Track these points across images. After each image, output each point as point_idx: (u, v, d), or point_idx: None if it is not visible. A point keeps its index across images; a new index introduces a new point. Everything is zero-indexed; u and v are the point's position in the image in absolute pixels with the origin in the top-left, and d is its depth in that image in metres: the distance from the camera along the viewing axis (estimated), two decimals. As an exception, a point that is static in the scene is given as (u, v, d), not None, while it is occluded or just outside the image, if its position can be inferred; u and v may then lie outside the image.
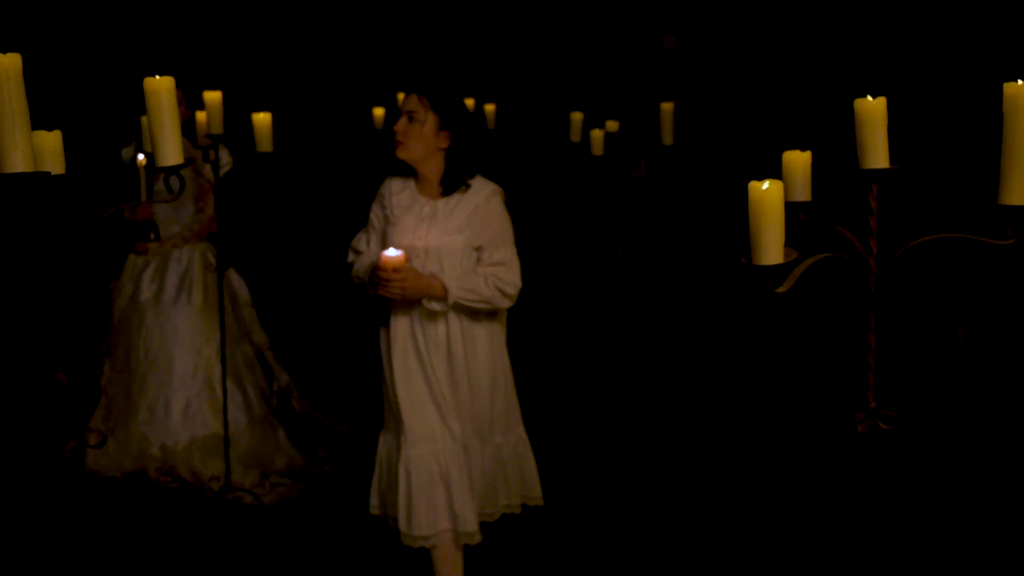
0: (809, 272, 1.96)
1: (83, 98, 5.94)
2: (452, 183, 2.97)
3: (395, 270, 2.82)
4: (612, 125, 6.19)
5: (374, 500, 3.14)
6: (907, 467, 3.75)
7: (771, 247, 1.88)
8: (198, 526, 3.97)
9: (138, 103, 2.53)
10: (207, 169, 4.37)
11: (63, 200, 2.08)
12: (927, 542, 3.30)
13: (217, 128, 4.05)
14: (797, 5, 5.86)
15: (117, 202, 2.61)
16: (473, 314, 3.02)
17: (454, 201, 2.97)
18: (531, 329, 4.94)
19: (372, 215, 3.11)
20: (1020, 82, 1.83)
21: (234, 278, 4.78)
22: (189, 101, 4.46)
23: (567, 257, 6.95)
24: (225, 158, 4.49)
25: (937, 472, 3.72)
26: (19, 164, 1.79)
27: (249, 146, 4.27)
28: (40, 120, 2.01)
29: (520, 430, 3.22)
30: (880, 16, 5.36)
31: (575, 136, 6.12)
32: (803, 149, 2.21)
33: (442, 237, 2.94)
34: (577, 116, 6.13)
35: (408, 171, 3.04)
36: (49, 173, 1.90)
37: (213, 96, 4.06)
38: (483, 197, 2.97)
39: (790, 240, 2.07)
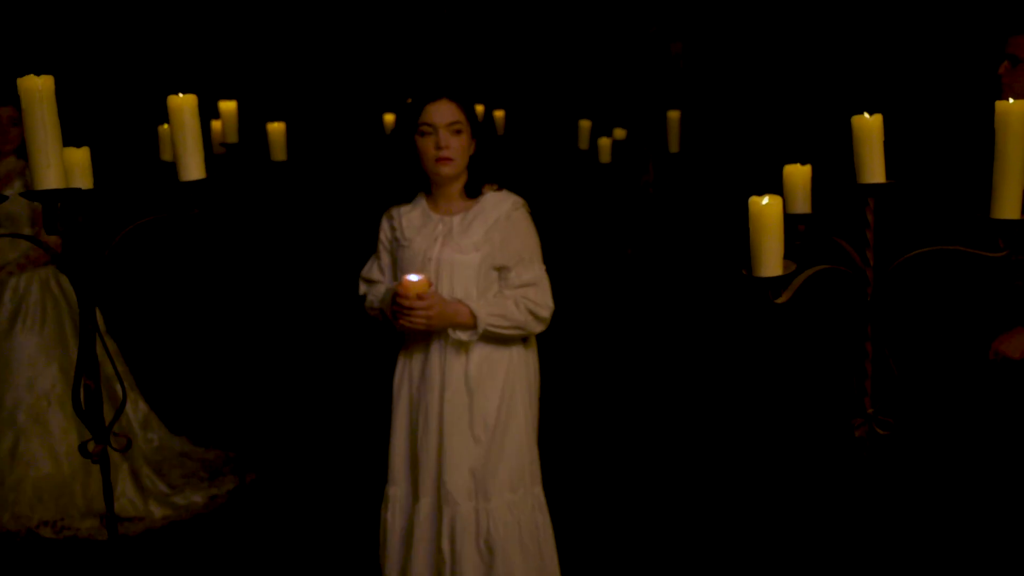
0: (809, 282, 2.02)
1: (81, 102, 5.98)
2: (474, 190, 2.61)
3: (419, 296, 2.44)
4: (620, 133, 6.28)
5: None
6: (903, 471, 3.81)
7: (771, 259, 1.95)
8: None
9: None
10: None
11: None
12: (924, 544, 3.35)
13: (232, 137, 4.12)
14: (796, 27, 5.99)
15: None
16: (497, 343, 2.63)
17: (471, 216, 2.59)
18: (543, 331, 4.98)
19: (381, 239, 2.72)
20: (1011, 100, 1.90)
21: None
22: (204, 111, 4.48)
23: (577, 261, 7.01)
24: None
25: (933, 476, 3.79)
26: (52, 181, 1.88)
27: (264, 155, 4.33)
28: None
29: (537, 490, 2.76)
30: (878, 36, 5.50)
31: (583, 143, 6.21)
32: (803, 163, 2.28)
33: (454, 255, 2.56)
34: (585, 124, 6.22)
35: (410, 194, 2.68)
36: (80, 189, 1.99)
37: (228, 106, 4.12)
38: (504, 211, 2.58)
39: (791, 250, 2.14)
